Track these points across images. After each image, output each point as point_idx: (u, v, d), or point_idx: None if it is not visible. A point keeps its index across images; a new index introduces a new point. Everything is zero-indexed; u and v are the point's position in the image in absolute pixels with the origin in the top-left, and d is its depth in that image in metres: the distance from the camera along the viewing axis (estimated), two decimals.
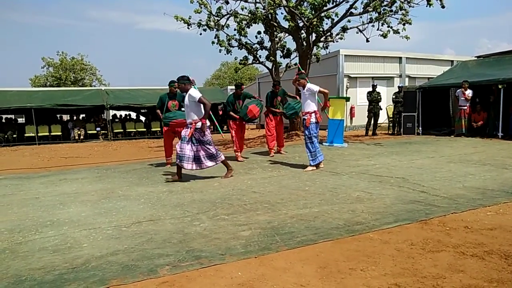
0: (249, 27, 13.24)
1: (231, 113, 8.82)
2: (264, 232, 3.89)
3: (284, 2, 12.27)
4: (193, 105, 6.40)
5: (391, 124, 15.69)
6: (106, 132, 19.07)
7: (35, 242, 3.85)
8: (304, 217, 4.33)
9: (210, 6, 13.00)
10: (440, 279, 2.78)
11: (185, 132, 6.52)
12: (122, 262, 3.26)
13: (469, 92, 12.43)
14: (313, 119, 7.25)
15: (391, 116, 15.58)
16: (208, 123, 6.63)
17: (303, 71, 7.47)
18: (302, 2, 12.87)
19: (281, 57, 14.94)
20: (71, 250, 3.59)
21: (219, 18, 13.29)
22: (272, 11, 12.56)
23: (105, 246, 3.64)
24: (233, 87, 8.97)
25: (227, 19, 13.41)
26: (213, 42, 13.74)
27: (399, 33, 12.54)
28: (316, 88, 7.28)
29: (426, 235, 3.67)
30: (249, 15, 12.79)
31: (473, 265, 3.01)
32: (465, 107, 12.53)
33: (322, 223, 4.12)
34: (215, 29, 13.37)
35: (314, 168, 7.41)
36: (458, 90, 12.67)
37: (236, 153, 9.03)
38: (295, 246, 3.48)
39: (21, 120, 21.50)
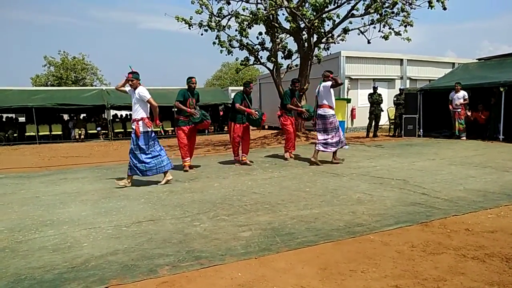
0: (250, 28, 13.20)
1: (240, 106, 8.00)
2: (264, 233, 3.88)
3: (286, 3, 12.26)
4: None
5: (392, 126, 15.69)
6: (106, 131, 19.08)
7: (35, 241, 3.84)
8: (305, 218, 4.32)
9: (211, 7, 12.99)
10: (441, 281, 2.78)
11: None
12: (122, 261, 3.25)
13: (463, 94, 12.45)
14: (141, 128, 6.27)
15: (392, 118, 15.58)
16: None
17: (135, 70, 6.51)
18: (303, 3, 12.87)
19: (282, 58, 14.94)
20: (71, 249, 3.58)
21: (220, 19, 13.28)
22: (273, 12, 12.54)
23: (105, 246, 3.63)
24: (234, 87, 8.73)
25: (228, 19, 13.40)
26: (214, 43, 13.72)
27: (400, 34, 12.53)
28: (146, 96, 6.25)
29: (426, 237, 3.66)
30: (251, 16, 12.76)
31: (474, 267, 3.00)
32: (459, 109, 12.54)
33: (322, 224, 4.11)
34: (216, 30, 13.35)
35: (126, 183, 6.42)
36: (451, 93, 12.70)
37: (239, 157, 8.54)
38: (295, 247, 3.48)
39: (21, 119, 21.50)
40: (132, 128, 6.37)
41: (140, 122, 6.27)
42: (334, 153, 8.19)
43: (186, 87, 7.79)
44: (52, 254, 3.47)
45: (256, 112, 8.08)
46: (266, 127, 21.34)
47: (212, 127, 22.39)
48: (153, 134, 6.42)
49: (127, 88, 6.54)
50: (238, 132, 8.23)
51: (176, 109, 7.95)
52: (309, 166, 8.00)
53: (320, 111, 7.99)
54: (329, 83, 7.91)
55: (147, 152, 6.31)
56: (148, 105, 6.32)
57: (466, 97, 12.49)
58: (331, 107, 7.94)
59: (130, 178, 6.46)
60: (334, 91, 8.09)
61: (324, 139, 7.99)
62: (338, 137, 7.99)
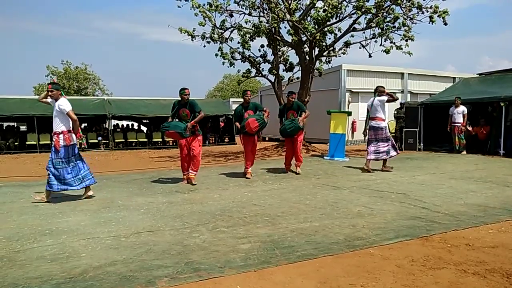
0: (252, 41, 13.33)
1: (236, 123, 8.21)
2: (264, 245, 3.86)
3: (288, 17, 12.38)
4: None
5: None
6: (107, 141, 19.09)
7: (33, 250, 3.82)
8: (305, 231, 4.30)
9: (214, 19, 13.12)
10: None
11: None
12: (120, 272, 3.23)
13: (463, 109, 12.47)
14: (61, 142, 5.96)
15: (393, 131, 15.58)
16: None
17: (56, 81, 6.02)
18: (305, 17, 12.99)
19: (283, 70, 15.02)
20: (69, 259, 3.56)
21: (223, 31, 13.39)
22: (275, 25, 12.66)
23: (104, 256, 3.61)
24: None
25: (231, 32, 13.52)
26: (216, 55, 13.82)
27: (401, 49, 12.60)
28: (66, 109, 5.91)
29: (427, 252, 3.64)
30: (253, 28, 12.89)
31: (474, 283, 2.98)
32: (459, 124, 12.54)
33: (322, 237, 4.10)
34: (218, 42, 13.46)
35: (43, 198, 6.08)
36: (451, 108, 12.72)
37: (246, 169, 8.28)
38: (295, 261, 3.45)
39: (23, 128, 21.52)
40: (52, 141, 6.11)
41: (61, 136, 5.96)
42: (384, 161, 8.81)
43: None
44: (50, 264, 3.45)
45: (242, 127, 7.92)
46: (267, 138, 21.36)
47: (213, 138, 22.43)
48: (75, 149, 6.17)
49: (50, 99, 6.18)
50: (247, 143, 8.15)
51: None
52: (309, 178, 7.99)
53: (373, 123, 8.66)
54: (385, 97, 8.63)
55: (66, 166, 6.02)
56: (64, 118, 5.98)
57: (466, 112, 12.50)
58: (383, 120, 8.66)
59: (48, 193, 6.11)
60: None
61: (376, 149, 8.64)
62: (388, 146, 8.65)
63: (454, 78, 20.90)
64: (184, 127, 7.20)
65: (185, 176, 7.76)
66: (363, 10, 11.73)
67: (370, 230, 4.32)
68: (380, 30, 12.52)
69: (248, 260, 3.47)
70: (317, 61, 14.06)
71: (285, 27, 13.60)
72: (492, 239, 4.01)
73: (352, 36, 13.44)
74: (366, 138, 8.86)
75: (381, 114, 8.64)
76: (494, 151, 11.96)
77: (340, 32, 13.16)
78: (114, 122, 21.71)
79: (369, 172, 8.56)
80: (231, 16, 13.23)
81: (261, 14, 13.15)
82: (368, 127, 8.81)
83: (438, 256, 3.54)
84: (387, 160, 8.84)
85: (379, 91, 8.73)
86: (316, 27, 12.52)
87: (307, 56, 13.62)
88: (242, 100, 8.64)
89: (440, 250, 3.69)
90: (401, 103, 15.37)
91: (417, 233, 4.19)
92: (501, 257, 3.53)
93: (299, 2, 13.45)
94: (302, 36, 12.99)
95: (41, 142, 17.82)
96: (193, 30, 13.16)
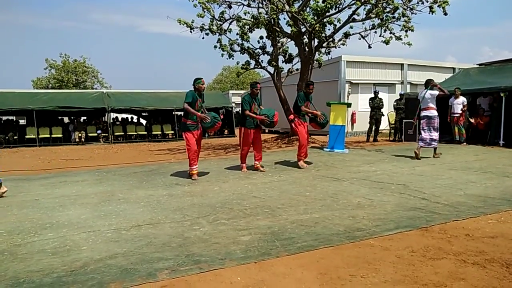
0: (251, 32, 13.28)
1: (249, 113, 7.63)
2: (264, 237, 3.87)
3: (287, 8, 12.30)
4: None
5: (392, 131, 15.69)
6: (106, 134, 19.09)
7: (34, 244, 3.83)
8: (305, 223, 4.31)
9: (213, 11, 13.04)
10: (441, 287, 2.77)
11: None
12: (121, 265, 3.24)
13: (462, 100, 12.43)
14: None
15: (393, 122, 15.58)
16: None
17: None
18: (305, 8, 12.91)
19: (283, 62, 14.97)
20: (70, 252, 3.57)
21: (221, 23, 13.32)
22: (274, 16, 12.59)
23: (104, 249, 3.62)
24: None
25: (230, 23, 13.46)
26: (215, 46, 13.77)
27: (401, 39, 12.54)
28: None
29: (427, 242, 3.66)
30: (252, 20, 12.82)
31: (474, 273, 2.99)
32: (458, 115, 12.51)
33: (322, 229, 4.11)
34: (217, 33, 13.40)
35: None
36: (450, 99, 12.68)
37: (241, 165, 8.07)
38: (295, 252, 3.47)
39: (22, 121, 21.51)
40: None
41: None
42: (435, 149, 9.46)
43: (193, 88, 7.19)
44: (51, 258, 3.46)
45: (266, 117, 7.65)
46: (266, 130, 21.33)
47: (212, 131, 22.39)
48: None
49: None
50: (248, 137, 7.79)
51: (182, 113, 7.44)
52: (309, 170, 7.99)
53: (427, 113, 9.23)
54: (436, 92, 9.19)
55: None
56: None
57: (465, 103, 12.47)
58: (435, 109, 9.23)
59: None
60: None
61: (430, 137, 9.24)
62: (438, 135, 9.29)
63: (454, 68, 20.81)
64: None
65: (194, 172, 7.26)
66: (362, 0, 11.66)
67: (370, 221, 4.33)
68: (379, 21, 12.46)
69: (249, 252, 3.48)
70: (317, 52, 14.00)
71: (284, 18, 13.55)
72: (491, 229, 4.03)
73: (351, 27, 13.39)
74: (416, 125, 9.37)
75: (434, 104, 9.19)
76: (494, 142, 11.96)
77: (340, 23, 13.10)
78: (113, 115, 21.69)
79: (418, 158, 9.18)
80: (230, 7, 13.16)
81: (260, 5, 13.09)
82: (421, 117, 9.35)
83: (438, 246, 3.56)
84: (436, 148, 9.44)
85: (432, 84, 9.23)
86: (316, 18, 12.46)
87: (306, 47, 13.57)
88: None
89: (440, 241, 3.71)
90: (400, 94, 15.34)
91: (417, 224, 4.20)
92: (501, 247, 3.54)
93: None
94: (302, 27, 12.93)
95: (40, 136, 17.84)
96: (192, 22, 13.10)
